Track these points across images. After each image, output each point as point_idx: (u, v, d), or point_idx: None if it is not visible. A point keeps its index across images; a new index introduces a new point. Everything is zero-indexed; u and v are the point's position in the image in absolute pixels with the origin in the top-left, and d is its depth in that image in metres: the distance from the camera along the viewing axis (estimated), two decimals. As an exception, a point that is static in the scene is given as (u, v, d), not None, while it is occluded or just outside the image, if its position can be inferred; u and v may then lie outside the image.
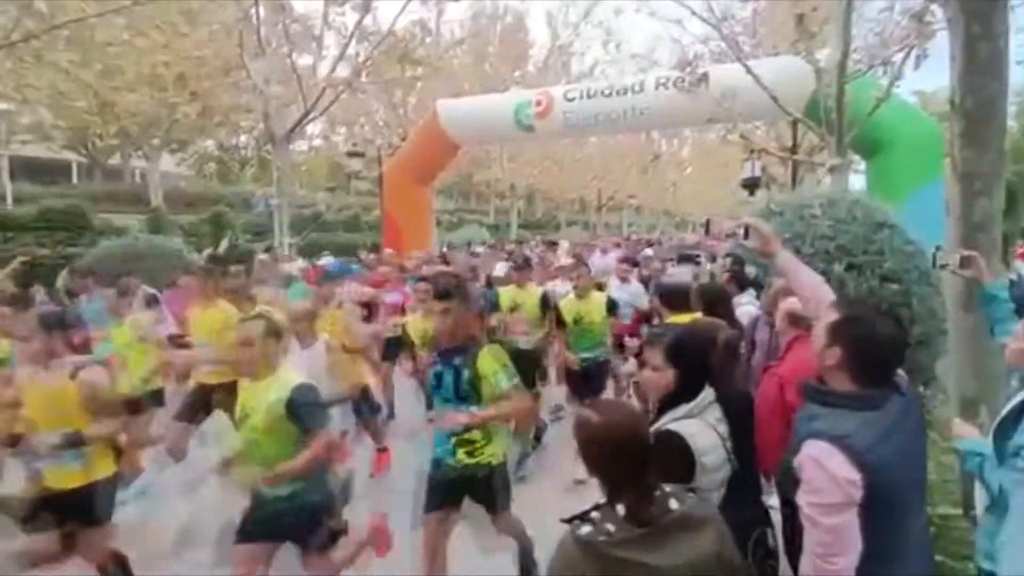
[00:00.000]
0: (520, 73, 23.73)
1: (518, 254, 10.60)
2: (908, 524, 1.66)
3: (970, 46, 2.90)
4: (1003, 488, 1.69)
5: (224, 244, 14.33)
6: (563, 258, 9.19)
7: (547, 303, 5.11)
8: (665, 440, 1.79)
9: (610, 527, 1.36)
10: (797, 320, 2.78)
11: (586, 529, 1.37)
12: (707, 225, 3.83)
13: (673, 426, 1.81)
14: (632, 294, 5.84)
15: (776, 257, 2.10)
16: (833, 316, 1.73)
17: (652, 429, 1.84)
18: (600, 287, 5.65)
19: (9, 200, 16.48)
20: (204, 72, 15.78)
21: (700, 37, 15.32)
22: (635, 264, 7.33)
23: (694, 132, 29.83)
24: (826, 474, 1.53)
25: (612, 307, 5.07)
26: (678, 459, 1.75)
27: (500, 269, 7.25)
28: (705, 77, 8.30)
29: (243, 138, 30.97)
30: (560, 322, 5.00)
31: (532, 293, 5.21)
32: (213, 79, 16.32)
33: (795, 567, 1.83)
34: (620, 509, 1.39)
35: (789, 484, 1.71)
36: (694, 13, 8.36)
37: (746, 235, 2.11)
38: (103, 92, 15.62)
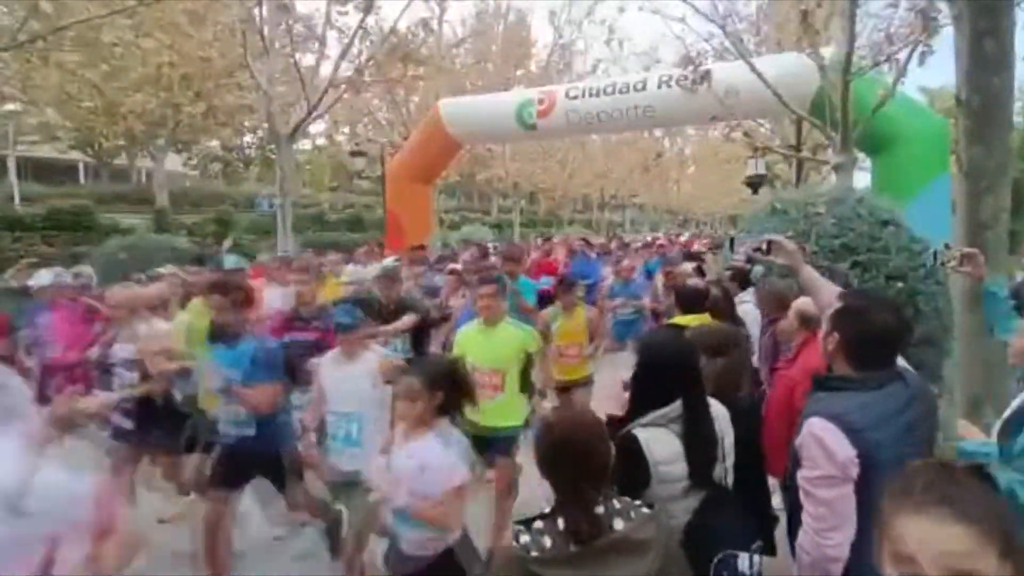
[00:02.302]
0: (522, 72, 23.68)
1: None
2: None
3: (976, 42, 2.88)
4: (1009, 488, 1.67)
5: (228, 243, 14.38)
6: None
7: None
8: (620, 442, 1.79)
9: (547, 541, 1.34)
10: (808, 320, 2.76)
11: (525, 539, 1.35)
12: (731, 242, 3.52)
13: (635, 430, 1.80)
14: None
15: (801, 273, 2.13)
16: (837, 306, 1.81)
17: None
18: None
19: (17, 200, 16.61)
20: (208, 72, 15.83)
21: (703, 35, 15.28)
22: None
23: (697, 130, 29.74)
24: (823, 448, 1.56)
25: None
26: (630, 462, 1.74)
27: None
28: (708, 75, 8.24)
29: (247, 138, 31.03)
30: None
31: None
32: (217, 79, 16.38)
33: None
34: (560, 522, 1.36)
35: (793, 467, 1.73)
36: (697, 11, 8.33)
37: (768, 251, 2.11)
38: (109, 93, 15.70)
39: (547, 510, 1.42)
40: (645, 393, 1.88)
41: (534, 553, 1.32)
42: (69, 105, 16.69)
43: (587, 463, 1.40)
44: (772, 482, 2.87)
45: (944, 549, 0.65)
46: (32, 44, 10.67)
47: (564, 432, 1.44)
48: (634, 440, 1.77)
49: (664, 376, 1.86)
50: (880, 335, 1.72)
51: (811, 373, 2.63)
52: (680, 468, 1.77)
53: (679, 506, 1.77)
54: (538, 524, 1.38)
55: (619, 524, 1.35)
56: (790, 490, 1.86)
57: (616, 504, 1.39)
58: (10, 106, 15.86)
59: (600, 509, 1.36)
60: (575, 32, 25.38)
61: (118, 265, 9.16)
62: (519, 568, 1.32)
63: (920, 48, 6.42)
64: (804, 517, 1.64)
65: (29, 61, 13.27)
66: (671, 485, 1.76)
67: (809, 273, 2.13)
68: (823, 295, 2.10)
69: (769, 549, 2.54)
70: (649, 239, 18.20)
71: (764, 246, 2.12)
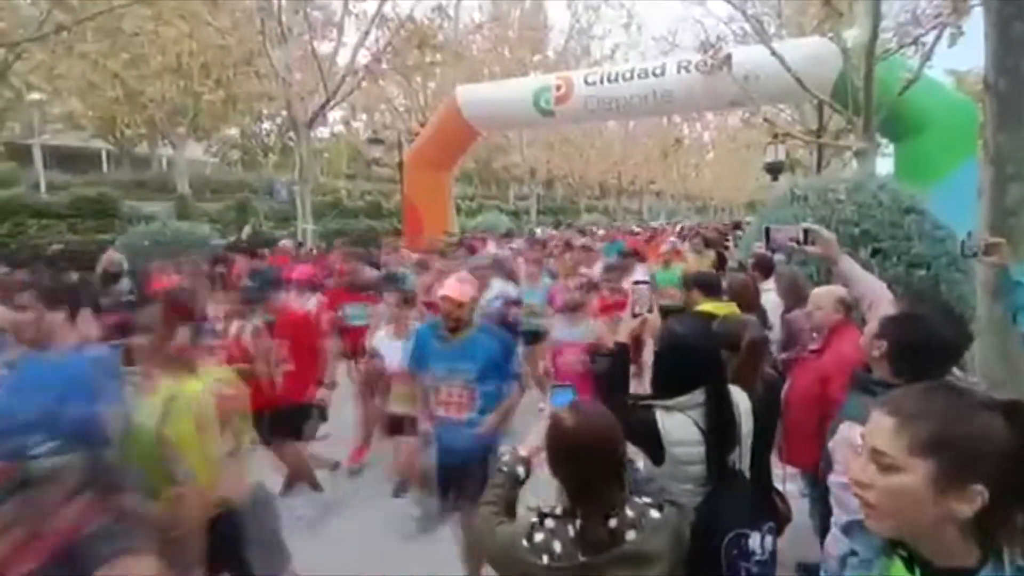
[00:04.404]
0: (540, 57, 23.46)
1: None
2: None
3: (1004, 25, 2.82)
4: None
5: (247, 230, 14.57)
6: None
7: None
8: (638, 418, 1.80)
9: (557, 547, 1.32)
10: (849, 308, 2.73)
11: (539, 538, 1.34)
12: (767, 233, 3.18)
13: (655, 409, 1.82)
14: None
15: (838, 262, 2.06)
16: (892, 310, 1.76)
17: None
18: None
19: (43, 188, 16.94)
20: (227, 60, 16.00)
21: (723, 18, 15.00)
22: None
23: (717, 116, 29.27)
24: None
25: None
26: (646, 439, 1.75)
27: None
28: (728, 59, 8.13)
29: (266, 125, 31.26)
30: None
31: None
32: (236, 67, 16.54)
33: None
34: (570, 529, 1.33)
35: (825, 469, 1.73)
36: (718, -7, 8.18)
37: (806, 240, 2.04)
38: (130, 81, 15.95)
39: (558, 510, 1.38)
40: (668, 379, 1.86)
41: (542, 560, 1.31)
42: (92, 94, 16.99)
43: (601, 464, 1.35)
44: (792, 470, 2.88)
45: (872, 430, 0.88)
46: (56, 35, 10.87)
47: (578, 430, 1.38)
48: (652, 419, 1.78)
49: (689, 366, 1.83)
50: (932, 352, 1.62)
51: (844, 364, 2.61)
52: (694, 452, 1.78)
53: (689, 487, 1.78)
54: (550, 523, 1.35)
55: (631, 535, 1.32)
56: (820, 488, 1.85)
57: (629, 513, 1.34)
58: (35, 96, 16.16)
59: (614, 522, 1.32)
60: (592, 17, 25.10)
61: (142, 251, 9.39)
62: (525, 570, 1.32)
63: (949, 29, 6.27)
64: (833, 521, 1.62)
65: (53, 51, 13.52)
66: (684, 467, 1.78)
67: (847, 263, 2.05)
68: (861, 287, 2.04)
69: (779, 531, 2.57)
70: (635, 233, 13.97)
71: (801, 236, 2.05)
